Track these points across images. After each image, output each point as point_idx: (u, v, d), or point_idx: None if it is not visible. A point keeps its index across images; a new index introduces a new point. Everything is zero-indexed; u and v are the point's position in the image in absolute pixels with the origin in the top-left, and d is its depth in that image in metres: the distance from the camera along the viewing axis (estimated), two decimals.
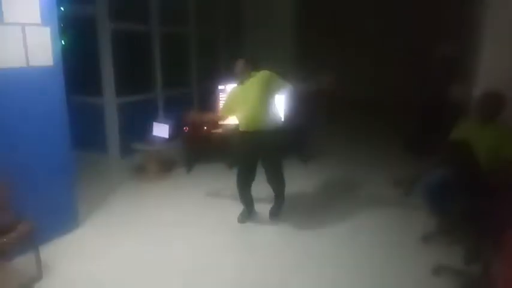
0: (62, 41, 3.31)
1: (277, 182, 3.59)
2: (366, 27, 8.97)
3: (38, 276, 2.73)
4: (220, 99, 4.82)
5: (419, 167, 3.30)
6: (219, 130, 5.19)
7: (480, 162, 2.67)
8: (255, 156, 3.46)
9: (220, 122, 4.15)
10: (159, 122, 4.99)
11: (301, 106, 5.05)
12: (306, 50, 7.57)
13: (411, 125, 6.07)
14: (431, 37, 5.97)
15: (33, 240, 2.71)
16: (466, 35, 4.80)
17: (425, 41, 6.71)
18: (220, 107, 3.58)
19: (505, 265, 2.29)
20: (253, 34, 7.28)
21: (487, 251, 2.69)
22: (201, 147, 5.19)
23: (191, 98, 6.70)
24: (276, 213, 3.69)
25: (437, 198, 3.12)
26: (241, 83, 3.42)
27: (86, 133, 5.27)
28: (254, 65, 3.43)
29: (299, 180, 4.61)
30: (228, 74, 5.05)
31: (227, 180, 4.77)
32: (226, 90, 4.60)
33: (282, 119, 3.74)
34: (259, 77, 3.37)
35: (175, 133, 5.03)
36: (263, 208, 3.78)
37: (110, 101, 5.31)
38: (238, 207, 3.72)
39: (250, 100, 3.33)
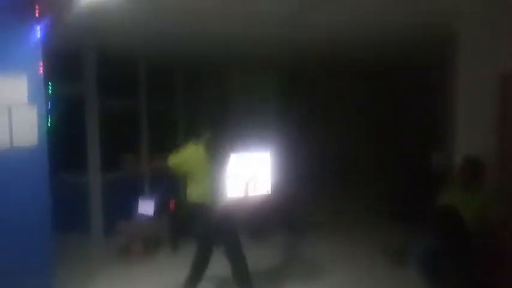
0: (49, 120, 3.33)
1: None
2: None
3: None
4: None
5: (409, 235, 3.25)
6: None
7: (469, 227, 2.66)
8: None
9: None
10: (145, 199, 4.91)
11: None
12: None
13: (398, 193, 6.09)
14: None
15: None
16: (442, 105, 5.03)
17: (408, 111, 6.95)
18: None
19: None
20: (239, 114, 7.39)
21: None
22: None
23: None
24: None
25: (430, 267, 3.04)
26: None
27: (68, 212, 5.12)
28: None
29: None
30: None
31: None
32: None
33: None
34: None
35: (161, 209, 4.93)
36: None
37: (95, 180, 5.25)
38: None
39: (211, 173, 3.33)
